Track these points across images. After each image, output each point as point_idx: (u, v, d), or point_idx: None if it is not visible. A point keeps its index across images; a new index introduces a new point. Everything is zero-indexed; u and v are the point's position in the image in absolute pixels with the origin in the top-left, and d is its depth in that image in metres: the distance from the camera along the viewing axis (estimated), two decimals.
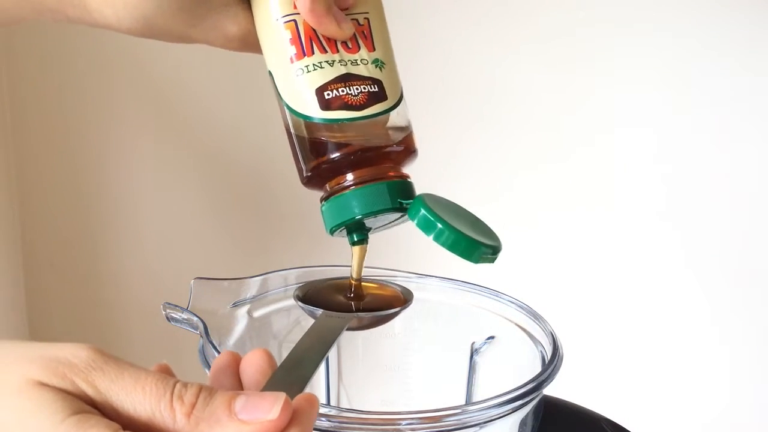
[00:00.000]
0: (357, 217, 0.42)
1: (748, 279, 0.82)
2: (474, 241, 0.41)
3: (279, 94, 0.42)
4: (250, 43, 0.44)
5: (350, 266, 0.47)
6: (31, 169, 0.93)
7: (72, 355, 0.31)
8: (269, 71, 0.43)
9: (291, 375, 0.34)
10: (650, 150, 0.81)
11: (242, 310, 0.53)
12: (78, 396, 0.30)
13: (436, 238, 0.41)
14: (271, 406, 0.30)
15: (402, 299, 0.48)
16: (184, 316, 0.48)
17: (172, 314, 0.49)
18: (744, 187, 0.80)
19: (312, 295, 0.47)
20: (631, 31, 0.78)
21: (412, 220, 0.41)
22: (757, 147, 0.78)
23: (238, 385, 0.34)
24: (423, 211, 0.41)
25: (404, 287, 0.49)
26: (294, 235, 0.91)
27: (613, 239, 0.84)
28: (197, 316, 0.48)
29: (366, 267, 0.54)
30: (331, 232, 0.44)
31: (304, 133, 0.42)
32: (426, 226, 0.41)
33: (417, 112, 0.81)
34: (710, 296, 0.83)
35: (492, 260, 0.42)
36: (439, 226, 0.40)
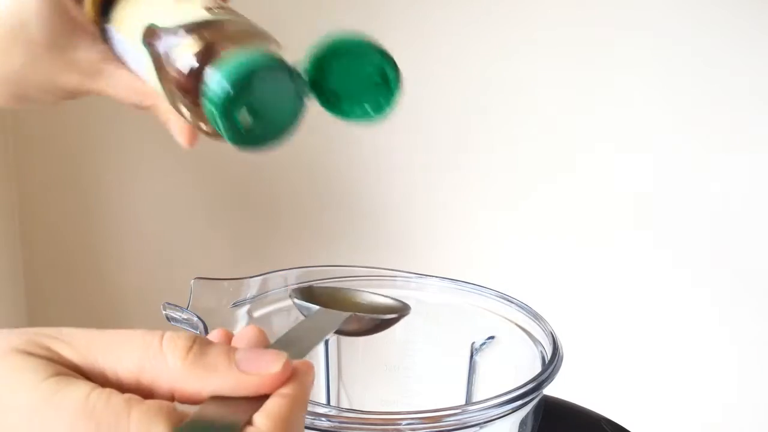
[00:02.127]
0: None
1: (749, 279, 0.82)
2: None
3: (163, 27, 0.41)
4: (99, 79, 0.46)
5: None
6: (31, 168, 0.93)
7: (55, 332, 0.31)
8: (150, 24, 0.42)
9: (286, 350, 0.33)
10: (653, 151, 0.81)
11: (242, 310, 0.53)
12: (62, 363, 0.30)
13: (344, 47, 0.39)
14: (274, 361, 0.30)
15: (398, 309, 0.48)
16: (184, 316, 0.48)
17: (172, 314, 0.49)
18: (750, 187, 0.80)
19: (309, 296, 0.47)
20: (631, 33, 0.78)
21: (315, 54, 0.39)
22: (763, 149, 0.78)
23: None
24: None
25: (403, 302, 0.49)
26: (294, 235, 0.91)
27: (613, 238, 0.84)
28: (197, 316, 0.48)
29: (367, 267, 0.54)
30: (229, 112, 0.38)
31: (188, 47, 0.40)
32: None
33: (420, 112, 0.81)
34: (711, 296, 0.83)
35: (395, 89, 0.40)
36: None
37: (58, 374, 0.29)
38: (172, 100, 0.42)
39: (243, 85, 0.37)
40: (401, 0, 0.81)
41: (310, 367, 0.32)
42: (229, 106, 0.37)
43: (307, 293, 0.47)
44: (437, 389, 0.57)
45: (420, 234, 0.88)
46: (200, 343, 0.30)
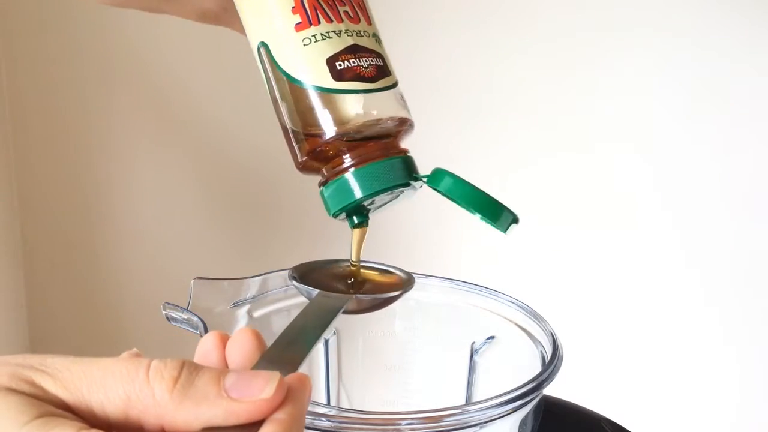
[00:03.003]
0: (375, 193, 0.41)
1: (750, 279, 0.82)
2: (500, 204, 0.41)
3: (278, 66, 0.41)
4: (223, 18, 0.43)
5: (350, 250, 0.46)
6: (31, 169, 0.93)
7: (39, 362, 0.29)
8: (262, 42, 0.41)
9: (283, 355, 0.32)
10: (650, 149, 0.81)
11: (242, 310, 0.53)
12: (49, 401, 0.28)
13: (465, 201, 0.41)
14: (265, 385, 0.28)
15: (402, 283, 0.47)
16: (184, 316, 0.48)
17: (172, 314, 0.49)
18: (747, 187, 0.80)
19: (309, 276, 0.46)
20: (631, 34, 0.78)
21: (436, 186, 0.41)
22: (761, 147, 0.78)
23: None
24: (449, 177, 0.41)
25: (406, 271, 0.49)
26: (294, 235, 0.91)
27: (612, 238, 0.84)
28: (197, 316, 0.48)
29: None
30: (337, 213, 0.43)
31: (310, 105, 0.40)
32: (455, 189, 0.41)
33: (419, 112, 0.81)
34: (711, 296, 0.83)
35: (513, 225, 0.43)
36: (470, 187, 0.40)
37: (42, 415, 0.27)
38: (276, 107, 0.42)
39: (364, 202, 0.41)
40: (401, 3, 0.81)
41: (305, 384, 0.30)
42: (344, 211, 0.42)
43: (307, 270, 0.46)
44: (437, 389, 0.57)
45: (420, 234, 0.87)
46: (188, 370, 0.29)
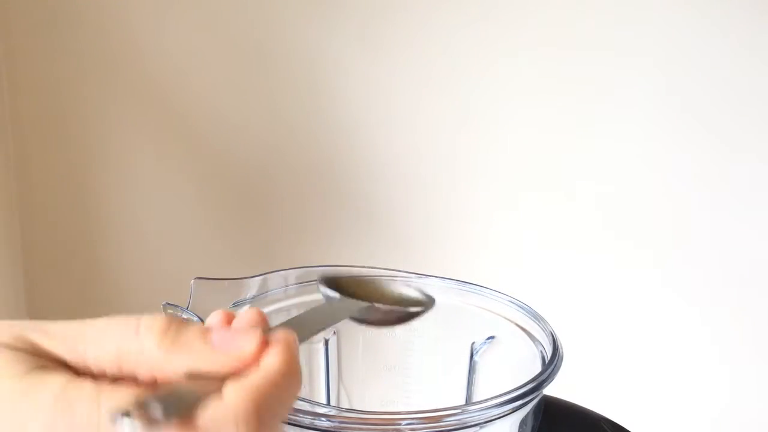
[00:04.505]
0: None
1: (752, 280, 0.82)
2: None
3: None
4: None
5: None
6: (31, 169, 0.93)
7: (38, 326, 0.31)
8: None
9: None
10: (651, 150, 0.81)
11: (242, 311, 0.53)
12: (46, 356, 0.30)
13: None
14: (248, 339, 0.30)
15: (421, 302, 0.47)
16: (184, 316, 0.48)
17: (172, 314, 0.49)
18: (747, 195, 0.80)
19: (335, 286, 0.47)
20: (630, 34, 0.78)
21: None
22: (761, 154, 0.78)
23: None
24: None
25: (428, 295, 0.49)
26: (294, 235, 0.91)
27: (612, 238, 0.84)
28: (197, 316, 0.48)
29: (367, 267, 0.54)
30: None
31: None
32: None
33: (420, 113, 0.80)
34: (711, 296, 0.83)
35: None
36: None
37: (38, 367, 0.29)
38: None
39: None
40: (400, 4, 0.81)
41: (290, 340, 0.31)
42: None
43: (333, 282, 0.47)
44: (437, 389, 0.57)
45: (420, 234, 0.88)
46: (177, 325, 0.30)
